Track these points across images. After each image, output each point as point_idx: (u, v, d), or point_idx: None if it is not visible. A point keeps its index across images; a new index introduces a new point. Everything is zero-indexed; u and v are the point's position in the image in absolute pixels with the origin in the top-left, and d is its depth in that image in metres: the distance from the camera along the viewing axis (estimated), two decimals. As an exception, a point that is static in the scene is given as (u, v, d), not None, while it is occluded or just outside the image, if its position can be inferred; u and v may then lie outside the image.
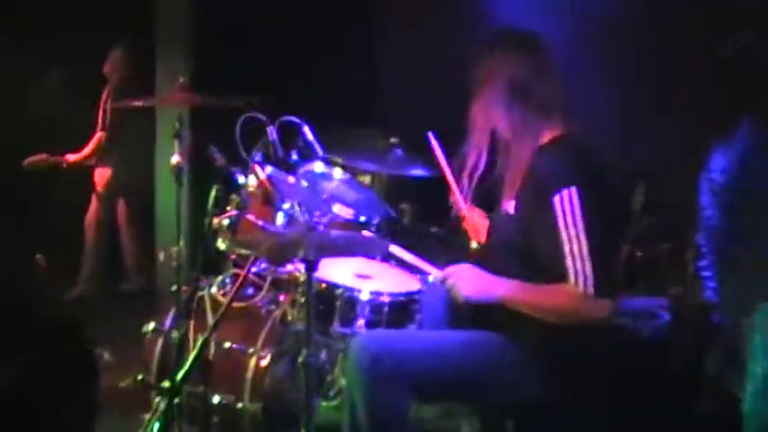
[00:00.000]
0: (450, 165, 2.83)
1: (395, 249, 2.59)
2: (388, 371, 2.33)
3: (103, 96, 5.54)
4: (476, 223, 2.88)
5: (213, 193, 2.72)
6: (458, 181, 2.76)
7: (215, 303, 2.94)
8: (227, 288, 3.12)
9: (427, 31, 5.86)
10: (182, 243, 2.76)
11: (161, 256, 2.87)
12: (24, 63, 5.56)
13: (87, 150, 5.57)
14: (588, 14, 4.86)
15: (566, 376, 2.43)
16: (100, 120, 5.52)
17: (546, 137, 2.47)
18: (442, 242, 3.72)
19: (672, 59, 4.93)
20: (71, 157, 5.55)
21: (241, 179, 2.68)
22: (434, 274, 2.49)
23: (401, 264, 2.82)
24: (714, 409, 3.30)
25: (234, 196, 2.82)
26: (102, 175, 5.57)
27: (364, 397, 2.35)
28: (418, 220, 3.99)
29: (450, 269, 2.43)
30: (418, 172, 3.57)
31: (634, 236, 4.24)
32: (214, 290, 3.10)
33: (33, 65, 5.63)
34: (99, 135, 5.54)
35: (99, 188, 5.58)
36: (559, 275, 2.28)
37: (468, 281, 2.39)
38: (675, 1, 4.78)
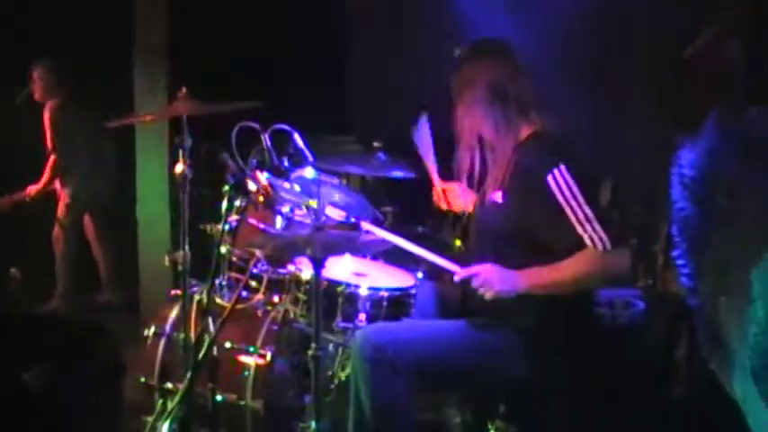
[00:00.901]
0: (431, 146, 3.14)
1: (417, 250, 2.77)
2: (390, 359, 2.54)
3: (45, 118, 5.49)
4: (451, 192, 3.14)
5: (226, 198, 2.88)
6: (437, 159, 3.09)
7: (216, 307, 3.07)
8: (224, 291, 3.27)
9: (394, 41, 6.08)
10: (186, 248, 2.90)
11: (165, 261, 3.00)
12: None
13: (46, 177, 5.55)
14: (552, 14, 5.07)
15: (553, 360, 2.66)
16: (49, 142, 5.47)
17: (525, 133, 2.73)
18: (428, 241, 3.91)
19: (635, 57, 5.17)
20: (33, 189, 5.54)
21: (251, 185, 2.84)
22: (458, 272, 2.66)
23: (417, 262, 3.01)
24: (686, 392, 3.55)
25: (237, 202, 2.98)
26: (61, 194, 5.60)
27: (368, 385, 2.55)
28: (401, 221, 4.18)
29: (476, 269, 2.62)
30: (399, 174, 3.76)
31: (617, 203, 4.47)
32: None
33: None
34: (52, 158, 5.49)
35: (59, 207, 5.60)
36: (571, 247, 2.51)
37: (495, 278, 2.58)
38: (641, 8, 5.02)
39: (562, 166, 2.54)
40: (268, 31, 5.62)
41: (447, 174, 3.21)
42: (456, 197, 3.17)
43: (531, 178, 2.59)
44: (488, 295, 2.57)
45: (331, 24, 6.13)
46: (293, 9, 5.78)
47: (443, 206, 3.21)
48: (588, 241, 2.49)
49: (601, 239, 2.49)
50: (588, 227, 2.49)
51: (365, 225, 2.90)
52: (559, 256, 2.55)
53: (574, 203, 2.51)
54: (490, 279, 2.57)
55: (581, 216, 2.50)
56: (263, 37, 5.54)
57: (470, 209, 3.08)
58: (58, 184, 5.61)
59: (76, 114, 5.44)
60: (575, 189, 2.52)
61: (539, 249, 2.61)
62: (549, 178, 2.53)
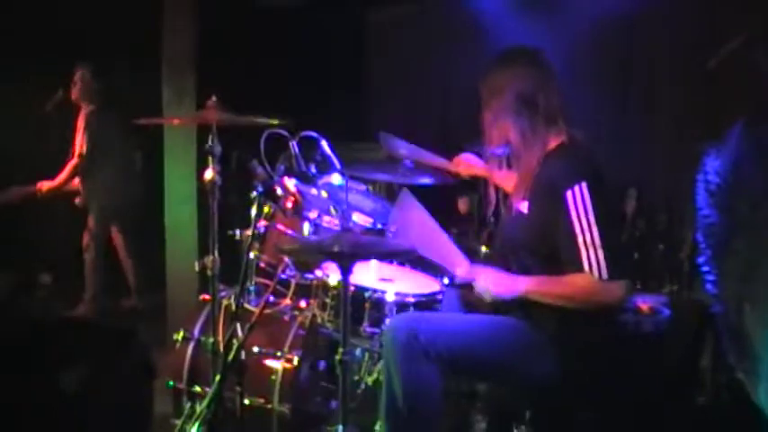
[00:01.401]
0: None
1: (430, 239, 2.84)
2: (423, 346, 2.59)
3: (80, 122, 5.52)
4: (466, 161, 3.32)
5: (255, 204, 2.95)
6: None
7: (244, 312, 3.13)
8: (252, 297, 3.34)
9: (411, 58, 6.16)
10: (216, 254, 2.97)
11: (196, 266, 3.07)
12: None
13: (63, 176, 5.54)
14: (579, 20, 5.10)
15: (577, 362, 2.70)
16: (78, 146, 5.48)
17: (552, 143, 2.75)
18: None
19: (662, 62, 5.19)
20: (45, 185, 5.54)
21: (280, 191, 2.90)
22: (460, 273, 2.73)
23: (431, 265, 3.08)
24: (711, 399, 3.57)
25: (266, 208, 3.04)
26: (91, 202, 5.62)
27: (401, 370, 2.60)
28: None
29: (477, 270, 2.69)
30: (425, 181, 3.81)
31: (630, 239, 4.51)
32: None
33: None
34: (74, 161, 5.50)
35: (89, 216, 5.62)
36: (570, 265, 2.56)
37: (495, 280, 2.66)
38: (666, 6, 5.03)
39: (583, 184, 2.58)
40: (292, 40, 5.71)
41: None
42: (468, 165, 3.36)
43: (552, 190, 2.63)
44: (486, 297, 2.66)
45: (354, 35, 6.23)
46: (317, 20, 5.87)
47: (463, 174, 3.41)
48: (586, 266, 2.54)
49: (599, 267, 2.54)
50: (591, 251, 2.54)
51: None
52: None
53: (585, 224, 2.55)
54: (489, 281, 2.66)
55: (587, 238, 2.55)
56: (288, 46, 5.63)
57: (485, 173, 3.25)
58: (78, 186, 5.64)
59: (110, 121, 5.50)
60: (589, 209, 2.56)
61: (558, 262, 2.65)
62: (568, 194, 2.57)
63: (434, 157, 3.49)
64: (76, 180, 5.58)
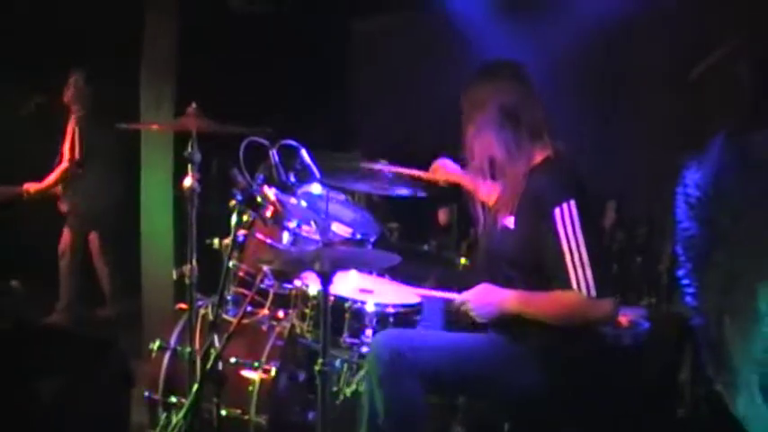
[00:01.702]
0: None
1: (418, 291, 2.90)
2: (408, 365, 2.60)
3: (70, 126, 5.51)
4: (443, 166, 3.38)
5: (235, 212, 2.94)
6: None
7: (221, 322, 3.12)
8: (230, 306, 3.32)
9: (395, 64, 6.18)
10: (194, 262, 2.95)
11: (173, 274, 3.06)
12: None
13: (51, 180, 5.53)
14: (564, 31, 5.13)
15: (557, 375, 2.71)
16: (67, 150, 5.48)
17: (538, 157, 2.76)
18: (433, 259, 3.98)
19: (642, 75, 5.23)
20: (32, 187, 5.51)
21: (259, 200, 2.90)
22: (455, 300, 2.76)
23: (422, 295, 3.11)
24: (690, 412, 3.60)
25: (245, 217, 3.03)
26: (72, 208, 5.62)
27: (384, 389, 2.60)
28: (406, 239, 4.24)
29: (466, 294, 2.72)
30: (404, 192, 3.81)
31: (608, 251, 4.54)
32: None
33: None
34: (65, 166, 5.49)
35: (70, 221, 5.61)
36: (559, 282, 2.57)
37: (484, 301, 2.69)
38: (645, 19, 5.07)
39: (572, 202, 2.59)
40: (274, 47, 5.71)
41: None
42: (446, 171, 3.39)
43: (539, 206, 2.64)
44: (475, 315, 2.69)
45: (339, 43, 6.24)
46: (298, 27, 5.88)
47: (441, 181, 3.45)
48: (575, 284, 2.56)
49: (587, 286, 2.55)
50: (580, 271, 2.56)
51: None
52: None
53: (573, 243, 2.57)
54: (479, 302, 2.69)
55: (576, 258, 2.56)
56: (270, 52, 5.62)
57: (463, 181, 3.27)
58: (61, 194, 5.62)
59: (98, 125, 5.48)
60: (577, 228, 2.57)
61: (543, 275, 2.66)
62: (557, 211, 2.58)
63: (410, 169, 3.52)
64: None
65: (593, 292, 2.54)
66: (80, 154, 5.47)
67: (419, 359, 2.61)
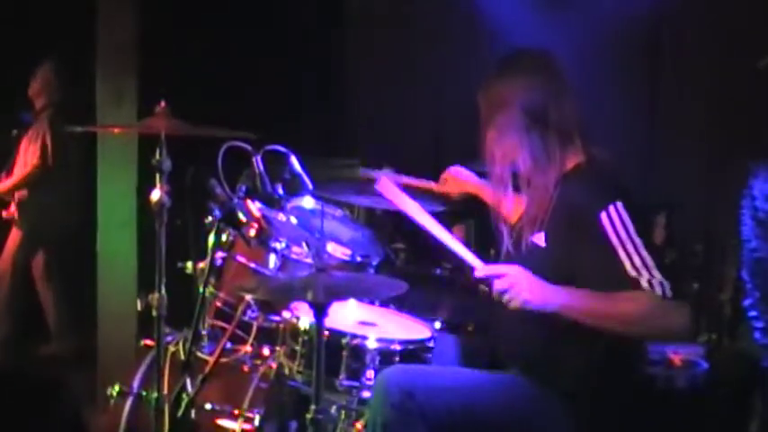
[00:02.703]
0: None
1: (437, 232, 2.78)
2: (419, 407, 2.59)
3: (40, 124, 5.61)
4: (455, 175, 3.41)
5: (213, 231, 2.94)
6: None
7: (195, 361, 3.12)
8: (205, 342, 3.32)
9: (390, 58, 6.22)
10: (163, 290, 2.95)
11: (138, 304, 3.05)
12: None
13: (12, 182, 5.61)
14: (601, 31, 5.15)
15: (595, 426, 2.70)
16: (38, 152, 5.56)
17: (570, 163, 2.76)
18: (446, 286, 3.97)
19: (692, 71, 5.25)
20: None
21: (241, 216, 2.90)
22: (479, 267, 2.65)
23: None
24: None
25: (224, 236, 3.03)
26: (21, 220, 5.67)
27: None
28: (414, 261, 4.24)
29: (504, 268, 2.61)
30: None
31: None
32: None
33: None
34: (30, 170, 5.58)
35: (10, 240, 5.66)
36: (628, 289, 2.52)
37: (526, 283, 2.56)
38: (695, 18, 5.10)
39: (619, 204, 2.57)
40: (254, 33, 5.71)
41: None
42: (459, 181, 3.43)
43: (579, 216, 2.62)
44: (513, 303, 2.56)
45: (330, 32, 6.25)
46: (287, 12, 5.89)
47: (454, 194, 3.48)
48: (646, 284, 2.50)
49: (661, 284, 2.49)
50: (645, 273, 2.51)
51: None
52: None
53: (630, 246, 2.54)
54: (519, 283, 2.56)
55: (637, 261, 2.52)
56: (249, 40, 5.63)
57: (479, 192, 3.28)
58: (12, 206, 5.65)
59: (64, 126, 5.52)
60: (632, 230, 2.55)
61: None
62: (603, 216, 2.57)
63: (419, 180, 3.54)
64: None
65: (669, 292, 2.49)
66: (52, 157, 5.55)
67: (434, 401, 2.61)
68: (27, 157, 5.61)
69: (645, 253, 2.53)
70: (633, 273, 2.51)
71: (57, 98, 5.66)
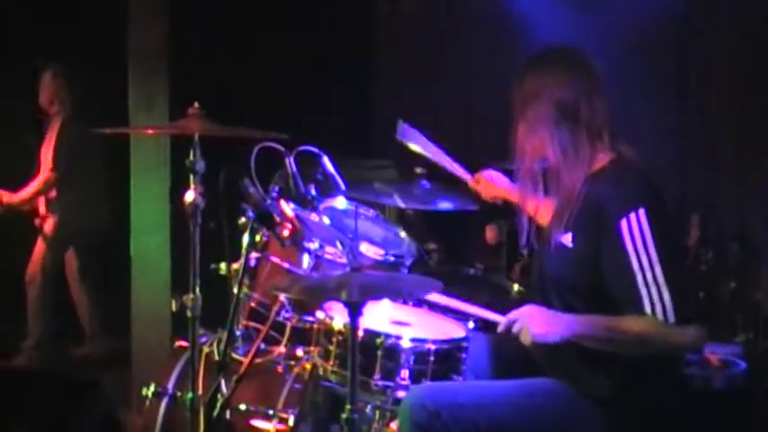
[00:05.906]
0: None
1: (439, 299, 2.88)
2: (445, 425, 2.60)
3: (52, 131, 5.62)
4: (488, 179, 3.44)
5: (247, 232, 2.95)
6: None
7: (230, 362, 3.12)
8: (239, 343, 3.33)
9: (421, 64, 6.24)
10: (197, 291, 2.97)
11: (172, 305, 3.07)
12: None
13: (30, 191, 5.61)
14: (630, 31, 5.14)
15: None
16: (50, 159, 5.57)
17: (598, 162, 2.75)
18: (480, 285, 3.97)
19: (726, 68, 5.22)
20: (4, 197, 5.58)
21: (275, 217, 2.91)
22: (498, 320, 2.74)
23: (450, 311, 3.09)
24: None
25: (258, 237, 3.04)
26: (49, 222, 5.68)
27: None
28: (447, 261, 4.24)
29: (515, 313, 2.67)
30: (447, 206, 3.81)
31: (693, 274, 4.50)
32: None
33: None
34: (46, 176, 5.58)
35: (46, 237, 5.66)
36: (633, 308, 2.54)
37: (537, 320, 2.62)
38: (724, 18, 5.08)
39: (641, 211, 2.56)
40: (285, 34, 5.74)
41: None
42: (493, 186, 3.44)
43: (602, 218, 2.62)
44: (523, 339, 2.62)
45: (361, 30, 6.27)
46: (316, 12, 5.91)
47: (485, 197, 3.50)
48: (648, 308, 2.52)
49: (664, 310, 2.51)
50: (654, 292, 2.52)
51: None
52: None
53: (645, 260, 2.54)
54: (530, 321, 2.62)
55: (649, 277, 2.53)
56: (279, 41, 5.66)
57: (513, 197, 3.25)
58: (42, 209, 5.69)
59: (82, 130, 5.54)
60: (649, 242, 2.55)
61: (608, 299, 2.63)
62: (623, 222, 2.56)
63: (454, 165, 3.57)
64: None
65: (672, 318, 2.51)
66: (66, 163, 5.56)
67: (460, 419, 2.61)
68: (46, 164, 5.62)
69: (658, 268, 2.53)
70: (642, 288, 2.53)
71: (69, 103, 5.64)
